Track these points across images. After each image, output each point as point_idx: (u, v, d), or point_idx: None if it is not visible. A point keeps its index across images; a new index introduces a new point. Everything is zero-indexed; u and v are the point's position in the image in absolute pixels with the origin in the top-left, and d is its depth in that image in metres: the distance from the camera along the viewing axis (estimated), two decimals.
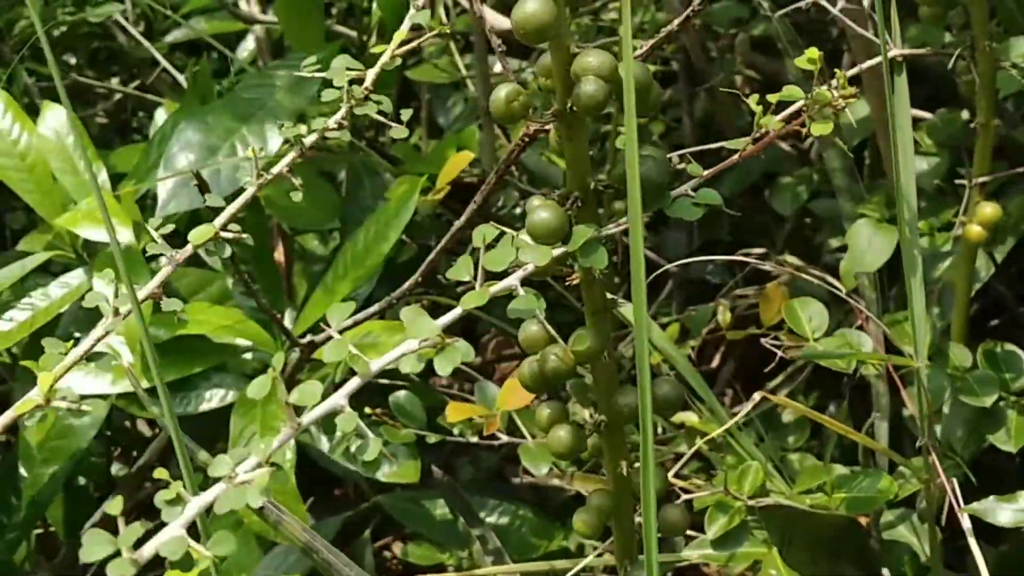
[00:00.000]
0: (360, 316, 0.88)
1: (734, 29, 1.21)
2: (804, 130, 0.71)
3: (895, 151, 0.75)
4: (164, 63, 1.40)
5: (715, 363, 1.19)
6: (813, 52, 0.72)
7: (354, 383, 0.49)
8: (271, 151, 1.01)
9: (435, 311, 1.24)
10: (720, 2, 1.29)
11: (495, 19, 1.15)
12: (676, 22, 0.69)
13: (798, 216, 1.16)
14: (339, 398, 0.48)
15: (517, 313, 0.54)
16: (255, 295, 0.86)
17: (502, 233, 0.55)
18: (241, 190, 0.64)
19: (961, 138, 1.04)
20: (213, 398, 1.01)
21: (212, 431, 1.01)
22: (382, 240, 0.99)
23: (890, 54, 0.79)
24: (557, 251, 0.55)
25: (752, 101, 0.73)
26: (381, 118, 0.64)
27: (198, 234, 0.61)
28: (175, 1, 1.49)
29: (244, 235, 0.61)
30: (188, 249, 0.61)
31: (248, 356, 1.03)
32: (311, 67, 0.66)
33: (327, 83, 0.65)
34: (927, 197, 0.97)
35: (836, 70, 0.72)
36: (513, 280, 0.54)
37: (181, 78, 1.40)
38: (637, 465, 0.63)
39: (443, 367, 0.48)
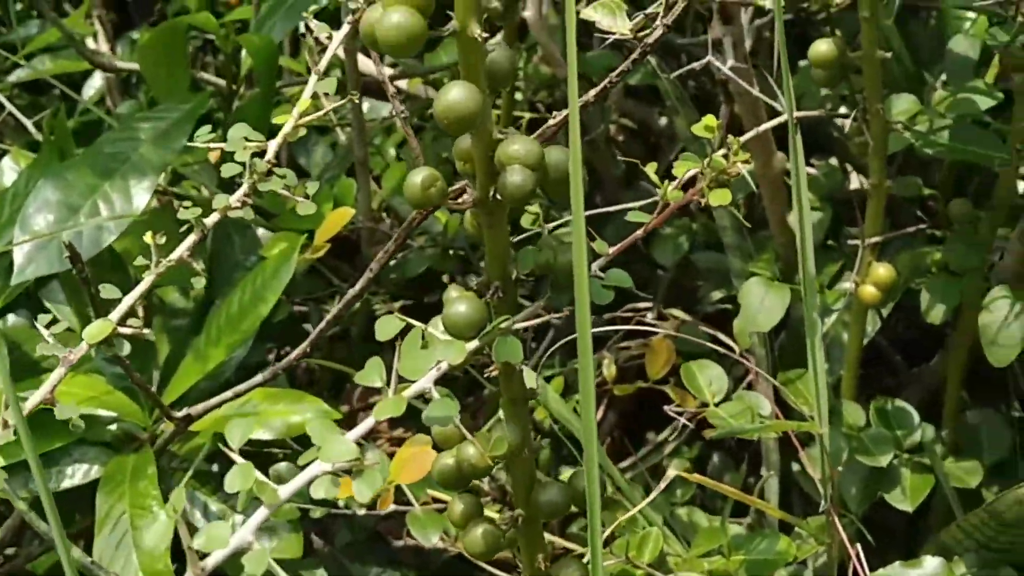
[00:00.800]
0: (241, 388, 0.83)
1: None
2: (703, 200, 0.70)
3: (799, 215, 0.74)
4: (8, 106, 1.32)
5: (599, 415, 1.17)
6: (711, 120, 0.71)
7: (261, 514, 0.44)
8: (137, 209, 0.95)
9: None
10: (593, 50, 1.28)
11: (366, 64, 1.12)
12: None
13: (677, 267, 1.15)
14: (246, 534, 0.44)
15: (433, 421, 0.50)
16: (125, 368, 0.80)
17: (409, 326, 0.52)
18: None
19: (841, 191, 1.06)
20: (76, 474, 0.94)
21: (76, 509, 0.94)
22: (259, 302, 0.94)
23: (786, 117, 0.78)
24: (471, 345, 0.51)
25: (650, 170, 0.71)
26: (286, 193, 0.60)
27: (94, 331, 0.56)
28: (14, 40, 1.41)
29: (145, 330, 0.56)
30: (83, 347, 0.56)
31: (113, 427, 0.97)
32: (204, 137, 0.62)
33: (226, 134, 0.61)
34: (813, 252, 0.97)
35: (730, 137, 0.72)
36: (426, 383, 0.51)
37: (27, 122, 1.32)
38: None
39: (363, 494, 0.44)
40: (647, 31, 0.64)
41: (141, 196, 0.96)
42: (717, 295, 1.10)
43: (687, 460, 1.06)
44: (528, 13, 1.03)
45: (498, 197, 0.49)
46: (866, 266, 0.84)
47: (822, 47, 0.78)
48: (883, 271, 0.83)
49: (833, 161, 1.12)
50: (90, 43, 1.61)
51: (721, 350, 0.92)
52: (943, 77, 1.02)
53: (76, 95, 1.47)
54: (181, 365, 0.96)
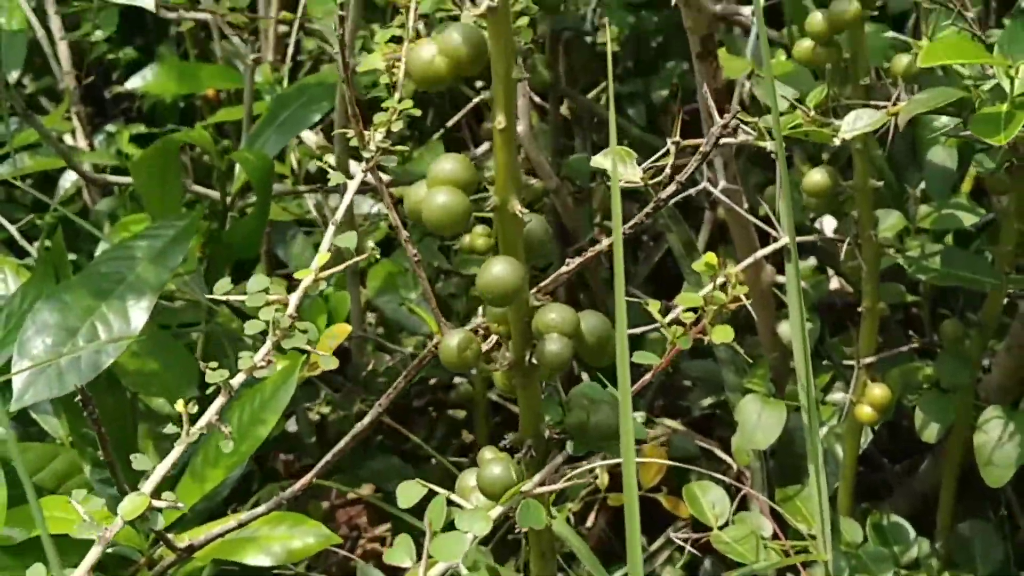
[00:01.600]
0: (244, 518, 0.83)
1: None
2: (706, 338, 0.72)
3: (794, 340, 0.76)
4: None
5: (590, 522, 1.18)
6: (711, 257, 0.72)
7: None
8: (135, 329, 0.95)
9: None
10: (576, 154, 1.31)
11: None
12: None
13: (666, 372, 1.16)
14: None
15: None
16: (123, 493, 0.80)
17: (432, 493, 0.52)
18: None
19: (826, 299, 1.08)
20: None
21: None
22: (258, 424, 0.94)
23: (785, 241, 0.80)
24: (497, 512, 0.52)
25: (654, 308, 0.73)
26: (309, 348, 0.60)
27: (130, 507, 0.56)
28: None
29: (179, 504, 0.56)
30: (118, 525, 0.56)
31: (110, 550, 0.96)
32: (224, 289, 0.62)
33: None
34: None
35: (727, 267, 0.73)
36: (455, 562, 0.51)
37: (10, 227, 1.32)
38: None
39: None
40: (659, 179, 0.65)
41: (139, 316, 0.96)
42: (707, 401, 1.12)
43: (680, 570, 1.07)
44: (520, 127, 1.05)
45: (534, 362, 0.51)
46: (861, 386, 0.86)
47: (816, 176, 0.80)
48: (879, 391, 0.85)
49: (813, 261, 1.15)
50: (68, 139, 1.61)
51: (702, 444, 0.94)
52: (923, 185, 1.05)
53: (47, 197, 1.48)
54: (178, 486, 0.96)
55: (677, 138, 0.66)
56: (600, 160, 0.67)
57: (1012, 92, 0.64)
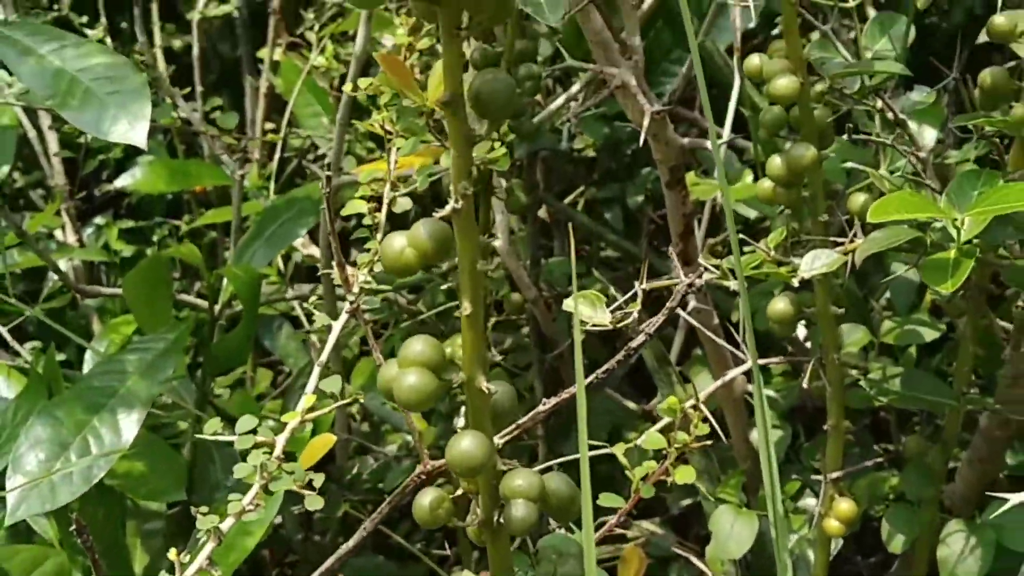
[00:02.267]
0: None
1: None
2: (669, 480, 0.75)
3: (764, 466, 0.79)
4: None
5: None
6: (674, 401, 0.76)
7: None
8: (126, 442, 0.98)
9: None
10: (554, 257, 1.34)
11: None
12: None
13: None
14: None
15: None
16: None
17: None
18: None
19: (798, 405, 1.11)
20: None
21: None
22: (245, 535, 0.97)
23: (749, 365, 0.84)
24: None
25: (619, 450, 0.76)
26: (296, 487, 0.63)
27: None
28: None
29: None
30: None
31: None
32: (214, 427, 0.65)
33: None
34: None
35: (693, 403, 0.77)
36: None
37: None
38: None
39: None
40: (627, 322, 0.69)
41: (130, 429, 0.98)
42: (686, 502, 1.15)
43: None
44: (498, 243, 1.09)
45: (502, 521, 0.54)
46: (828, 500, 0.89)
47: (779, 305, 0.83)
48: (845, 506, 0.88)
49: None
50: (58, 233, 1.65)
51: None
52: (887, 295, 1.09)
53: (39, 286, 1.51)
54: None
55: (644, 285, 0.69)
56: (569, 304, 0.70)
57: (959, 240, 0.68)
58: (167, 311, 1.07)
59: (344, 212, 0.75)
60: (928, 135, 1.05)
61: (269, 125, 1.69)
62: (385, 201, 0.76)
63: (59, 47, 0.94)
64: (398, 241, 0.50)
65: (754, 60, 0.77)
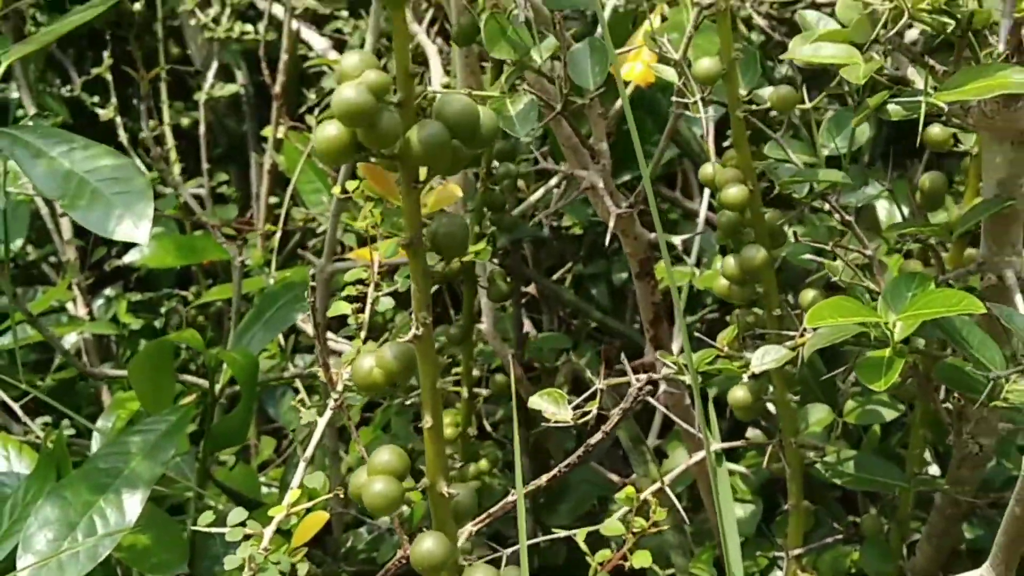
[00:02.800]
0: None
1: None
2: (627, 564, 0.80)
3: (723, 538, 0.84)
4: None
5: None
6: (631, 490, 0.81)
7: None
8: (130, 521, 1.03)
9: None
10: (544, 332, 1.40)
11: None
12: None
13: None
14: None
15: None
16: None
17: None
18: None
19: (770, 480, 1.16)
20: None
21: None
22: None
23: (713, 447, 0.89)
24: None
25: (580, 537, 0.81)
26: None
27: None
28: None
29: None
30: None
31: None
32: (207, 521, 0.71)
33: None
34: (745, 541, 1.07)
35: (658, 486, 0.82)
36: None
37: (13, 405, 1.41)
38: None
39: None
40: (588, 416, 0.74)
41: (133, 508, 1.04)
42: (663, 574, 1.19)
43: None
44: (484, 326, 1.15)
45: None
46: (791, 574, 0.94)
47: (739, 393, 0.89)
48: None
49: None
50: (69, 306, 1.72)
51: None
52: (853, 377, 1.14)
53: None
54: None
55: (603, 383, 0.75)
56: (536, 402, 0.76)
57: (893, 341, 0.73)
58: (170, 393, 1.13)
59: (330, 313, 0.81)
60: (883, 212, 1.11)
61: (273, 199, 1.76)
62: (369, 301, 0.82)
63: (68, 149, 1.01)
64: (367, 362, 0.56)
65: (707, 169, 0.83)
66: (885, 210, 1.19)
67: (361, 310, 0.82)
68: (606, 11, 0.86)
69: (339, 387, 0.78)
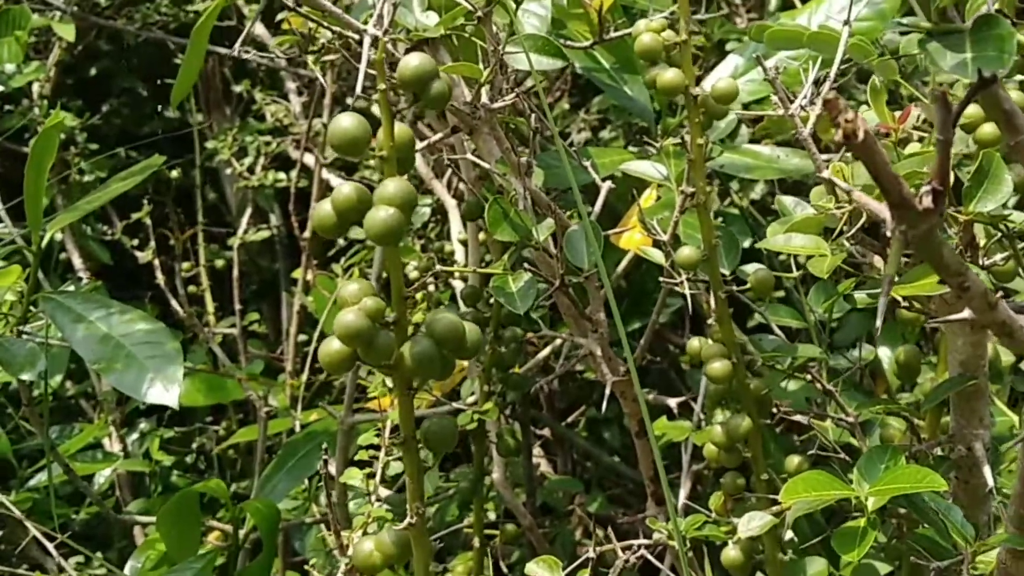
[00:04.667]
0: None
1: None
2: None
3: None
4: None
5: None
6: None
7: None
8: None
9: None
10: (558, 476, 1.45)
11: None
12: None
13: None
14: None
15: None
16: None
17: None
18: None
19: None
20: None
21: None
22: None
23: None
24: None
25: None
26: None
27: None
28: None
29: None
30: None
31: None
32: None
33: None
34: None
35: None
36: None
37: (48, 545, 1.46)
38: None
39: None
40: None
41: None
42: None
43: None
44: (495, 475, 1.20)
45: None
46: None
47: (732, 553, 0.93)
48: None
49: None
50: (105, 442, 1.78)
51: None
52: None
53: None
54: None
55: (594, 552, 0.80)
56: (532, 569, 0.81)
57: (868, 511, 0.78)
58: (195, 542, 1.18)
59: (343, 479, 0.86)
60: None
61: (303, 337, 1.84)
62: (379, 467, 0.88)
63: (106, 314, 1.08)
64: (367, 545, 0.62)
65: (694, 344, 0.89)
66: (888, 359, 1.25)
67: (372, 475, 0.87)
68: (600, 195, 0.93)
69: (349, 552, 0.83)
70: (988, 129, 0.76)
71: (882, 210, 0.40)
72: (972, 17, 0.44)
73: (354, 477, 0.87)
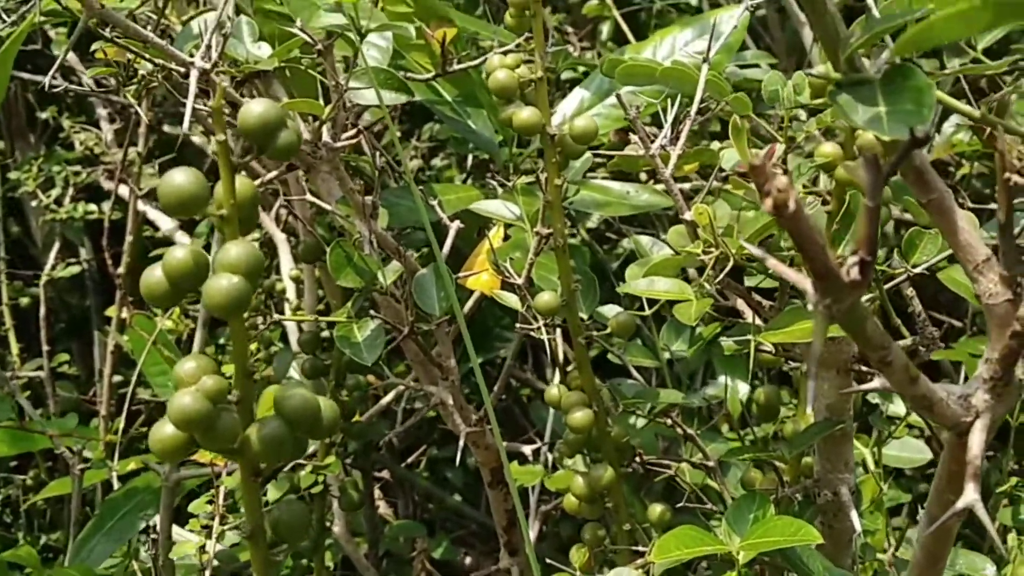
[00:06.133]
0: None
1: None
2: None
3: None
4: None
5: None
6: None
7: None
8: None
9: None
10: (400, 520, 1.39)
11: None
12: None
13: None
14: None
15: None
16: None
17: None
18: None
19: None
20: None
21: None
22: None
23: None
24: None
25: None
26: None
27: None
28: None
29: None
30: None
31: None
32: None
33: None
34: None
35: None
36: None
37: None
38: None
39: None
40: None
41: None
42: None
43: None
44: (336, 528, 1.13)
45: None
46: None
47: None
48: None
49: None
50: None
51: None
52: None
53: None
54: None
55: None
56: None
57: (739, 565, 0.75)
58: None
59: (173, 554, 0.78)
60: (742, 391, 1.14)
61: (118, 377, 1.72)
62: (213, 537, 0.81)
63: None
64: None
65: (552, 392, 0.85)
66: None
67: (204, 548, 0.80)
68: (449, 236, 0.88)
69: None
70: (843, 171, 0.75)
71: (802, 281, 0.36)
72: (878, 66, 0.41)
73: (188, 551, 0.79)
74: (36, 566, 1.10)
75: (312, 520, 0.55)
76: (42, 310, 1.76)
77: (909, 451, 1.01)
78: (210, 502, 0.81)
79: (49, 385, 1.75)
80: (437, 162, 1.65)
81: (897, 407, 1.00)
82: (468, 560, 1.45)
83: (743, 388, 1.11)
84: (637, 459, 0.86)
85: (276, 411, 0.54)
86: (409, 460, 1.45)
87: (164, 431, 0.53)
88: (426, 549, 1.34)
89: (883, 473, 0.94)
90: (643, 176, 1.13)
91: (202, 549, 0.79)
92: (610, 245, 1.54)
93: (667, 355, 0.94)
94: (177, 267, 0.53)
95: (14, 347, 1.77)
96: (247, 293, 0.52)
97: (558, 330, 0.86)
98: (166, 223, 1.73)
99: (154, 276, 0.54)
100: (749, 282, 0.82)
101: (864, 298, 0.73)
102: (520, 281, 0.84)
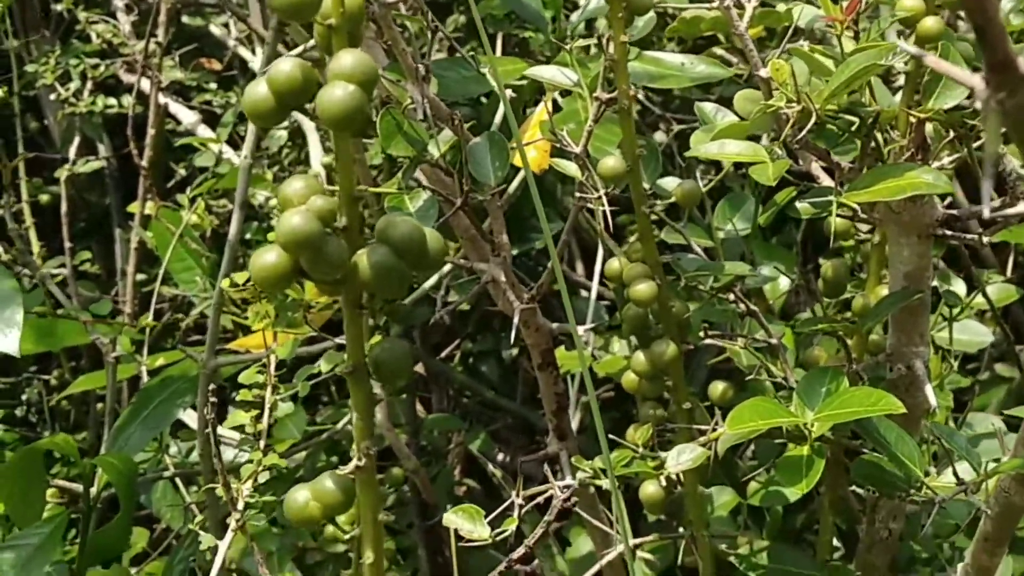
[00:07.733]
0: None
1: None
2: None
3: None
4: None
5: None
6: None
7: None
8: None
9: None
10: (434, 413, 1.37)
11: None
12: None
13: None
14: None
15: None
16: None
17: None
18: None
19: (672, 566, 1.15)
20: None
21: None
22: None
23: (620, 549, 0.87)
24: None
25: None
26: None
27: None
28: None
29: None
30: None
31: None
32: None
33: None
34: None
35: None
36: None
37: None
38: None
39: None
40: (506, 534, 0.71)
41: None
42: None
43: None
44: (378, 416, 1.11)
45: None
46: None
47: (650, 488, 0.86)
48: None
49: None
50: None
51: None
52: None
53: None
54: None
55: (520, 498, 0.72)
56: (451, 519, 0.72)
57: (810, 439, 0.73)
58: (41, 504, 1.06)
59: (226, 425, 0.76)
60: (783, 283, 1.11)
61: (140, 276, 1.69)
62: (267, 407, 0.78)
63: None
64: (301, 495, 0.53)
65: (614, 264, 0.82)
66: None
67: (259, 418, 0.77)
68: (505, 102, 0.84)
69: (240, 505, 0.73)
70: (930, 23, 0.71)
71: (968, 78, 0.33)
72: None
73: (241, 420, 0.76)
74: (74, 453, 1.08)
75: (411, 360, 0.52)
76: (63, 206, 1.73)
77: (969, 334, 0.98)
78: (260, 372, 0.79)
79: (72, 283, 1.72)
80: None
81: (957, 286, 0.97)
82: (501, 456, 1.44)
83: (784, 281, 1.08)
84: (704, 334, 0.83)
85: (382, 239, 0.51)
86: (443, 354, 1.42)
87: (267, 258, 0.50)
88: (462, 443, 1.33)
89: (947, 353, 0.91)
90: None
91: (256, 419, 0.76)
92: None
93: (721, 235, 0.91)
94: (285, 81, 0.49)
95: (35, 245, 1.74)
96: (363, 103, 0.48)
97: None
98: (188, 116, 1.69)
99: (259, 92, 0.50)
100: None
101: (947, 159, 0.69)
102: (578, 150, 0.80)
